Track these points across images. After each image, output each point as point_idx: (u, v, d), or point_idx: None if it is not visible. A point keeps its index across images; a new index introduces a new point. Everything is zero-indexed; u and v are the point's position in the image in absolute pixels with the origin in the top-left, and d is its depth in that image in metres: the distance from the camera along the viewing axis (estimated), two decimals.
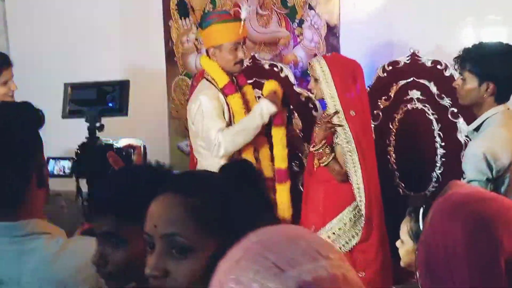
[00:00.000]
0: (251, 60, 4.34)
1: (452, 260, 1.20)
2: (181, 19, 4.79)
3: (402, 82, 4.02)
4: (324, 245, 0.86)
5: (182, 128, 4.81)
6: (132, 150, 1.79)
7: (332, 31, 4.49)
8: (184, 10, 4.77)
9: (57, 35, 4.95)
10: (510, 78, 2.87)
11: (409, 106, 4.02)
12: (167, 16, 4.81)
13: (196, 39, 4.77)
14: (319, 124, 3.45)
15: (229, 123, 3.45)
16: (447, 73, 3.88)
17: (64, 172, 1.75)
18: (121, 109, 1.83)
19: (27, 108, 1.59)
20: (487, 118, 2.88)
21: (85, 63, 4.85)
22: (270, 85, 3.55)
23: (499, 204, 1.29)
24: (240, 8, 3.53)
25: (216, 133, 3.36)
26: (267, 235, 0.86)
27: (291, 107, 3.76)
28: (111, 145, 1.78)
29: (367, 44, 4.36)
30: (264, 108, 3.42)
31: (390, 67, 4.05)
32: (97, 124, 1.80)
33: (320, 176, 3.51)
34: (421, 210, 2.31)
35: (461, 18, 4.19)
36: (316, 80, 3.45)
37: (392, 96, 4.05)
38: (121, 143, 1.84)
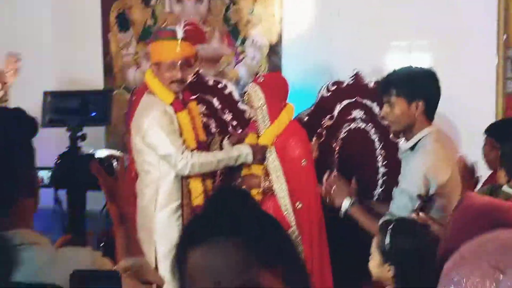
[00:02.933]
0: (195, 76, 4.31)
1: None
2: (120, 32, 4.71)
3: (345, 102, 4.09)
4: None
5: (118, 141, 4.70)
6: (115, 160, 1.73)
7: (274, 50, 4.54)
8: (124, 24, 4.70)
9: None
10: (436, 94, 2.97)
11: (352, 125, 4.09)
12: (106, 29, 4.72)
13: (136, 53, 4.69)
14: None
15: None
16: None
17: (42, 182, 1.66)
18: (104, 119, 1.78)
19: (20, 115, 1.52)
20: (422, 137, 2.96)
21: (23, 72, 4.68)
22: (253, 139, 3.58)
23: None
24: (181, 26, 3.51)
25: (185, 152, 3.36)
26: (490, 240, 0.85)
27: None
28: (93, 155, 1.72)
29: (308, 62, 4.43)
30: (244, 156, 3.47)
31: (335, 87, 4.12)
32: (79, 134, 1.72)
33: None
34: (391, 226, 2.35)
35: (397, 39, 4.34)
36: (253, 107, 3.50)
37: (335, 115, 4.12)
38: (98, 153, 1.78)
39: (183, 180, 3.47)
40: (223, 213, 1.04)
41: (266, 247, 0.99)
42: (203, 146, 3.58)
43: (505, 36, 4.07)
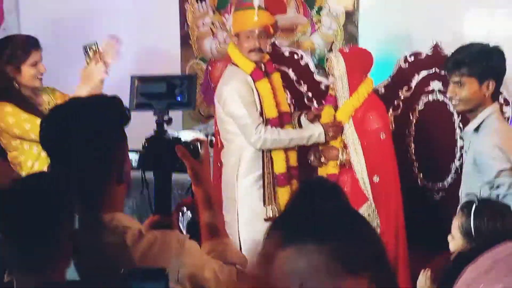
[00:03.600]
0: (271, 47, 4.31)
1: None
2: (197, 2, 4.74)
3: (424, 73, 4.02)
4: None
5: (196, 112, 4.79)
6: (199, 144, 1.78)
7: (350, 19, 4.48)
8: None
9: (70, 16, 4.87)
10: (504, 72, 2.91)
11: (430, 97, 4.02)
12: None
13: (212, 23, 4.73)
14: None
15: (260, 108, 3.46)
16: None
17: (131, 165, 1.73)
18: (189, 103, 1.82)
19: (116, 104, 1.59)
20: (486, 117, 2.87)
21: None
22: (330, 112, 3.59)
23: None
24: None
25: (260, 126, 3.42)
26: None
27: None
28: (179, 139, 1.77)
29: (385, 32, 4.36)
30: (316, 136, 3.49)
31: (412, 58, 4.05)
32: (166, 118, 1.78)
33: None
34: (474, 207, 2.32)
35: (477, 8, 4.20)
36: (333, 75, 3.48)
37: (413, 87, 4.06)
38: (184, 136, 1.82)
39: (265, 149, 3.52)
40: (311, 214, 1.03)
41: (354, 254, 0.97)
42: (285, 116, 3.62)
43: None
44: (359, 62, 3.53)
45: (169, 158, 1.73)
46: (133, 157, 1.74)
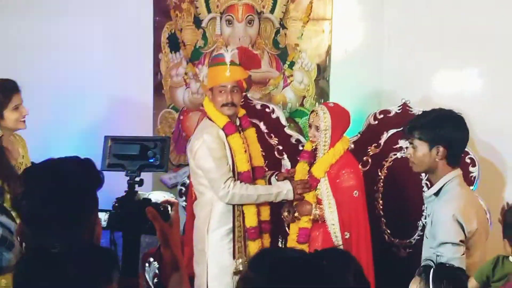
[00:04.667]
0: (243, 100, 4.35)
1: None
2: (171, 53, 4.79)
3: (392, 131, 4.09)
4: None
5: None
6: (170, 206, 1.78)
7: (322, 74, 4.56)
8: (175, 44, 4.78)
9: (47, 66, 4.88)
10: (459, 141, 2.98)
11: (398, 154, 4.09)
12: (157, 49, 4.81)
13: (186, 74, 4.77)
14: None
15: (231, 162, 3.48)
16: None
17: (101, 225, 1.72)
18: (162, 165, 1.83)
19: (90, 167, 1.59)
20: (446, 182, 2.94)
21: (73, 91, 4.81)
22: (305, 168, 3.64)
23: None
24: (228, 50, 3.58)
25: (228, 180, 3.44)
26: None
27: None
28: (150, 200, 1.77)
29: (356, 89, 4.45)
30: (284, 193, 3.53)
31: (381, 115, 4.13)
32: (137, 179, 1.78)
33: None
34: (432, 271, 2.34)
35: (447, 69, 4.31)
36: (317, 128, 3.51)
37: (382, 143, 4.12)
38: (154, 196, 1.83)
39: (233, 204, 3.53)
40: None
41: None
42: (258, 170, 3.64)
43: None
44: (342, 119, 3.58)
45: (139, 220, 1.72)
46: (103, 217, 1.73)
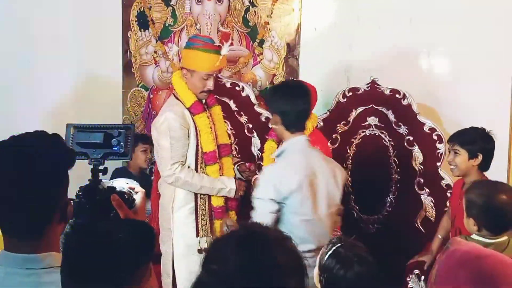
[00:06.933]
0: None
1: None
2: (140, 31, 4.76)
3: (361, 109, 4.13)
4: None
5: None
6: (135, 193, 1.79)
7: (291, 53, 4.57)
8: (144, 23, 4.74)
9: (14, 43, 4.83)
10: None
11: (367, 132, 4.13)
12: (126, 27, 4.76)
13: (155, 52, 4.74)
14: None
15: (196, 142, 3.48)
16: (404, 102, 4.02)
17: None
18: (126, 154, 1.82)
19: (60, 144, 1.57)
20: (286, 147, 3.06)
21: (41, 69, 4.77)
22: (273, 146, 3.69)
23: (496, 260, 1.41)
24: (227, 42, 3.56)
25: (177, 163, 3.43)
26: None
27: None
28: (114, 188, 1.77)
29: (325, 67, 4.47)
30: (226, 191, 3.54)
31: (350, 93, 4.16)
32: (101, 167, 1.78)
33: None
34: (329, 247, 2.35)
35: (418, 50, 4.34)
36: None
37: (350, 121, 4.16)
38: (119, 184, 1.83)
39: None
40: None
41: None
42: (224, 149, 3.64)
43: None
44: None
45: (103, 208, 1.72)
46: None
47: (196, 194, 3.51)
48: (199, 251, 3.49)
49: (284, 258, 1.30)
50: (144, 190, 1.84)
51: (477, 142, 3.36)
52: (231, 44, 3.57)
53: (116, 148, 1.80)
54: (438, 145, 3.95)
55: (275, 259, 1.28)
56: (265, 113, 4.32)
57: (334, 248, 2.32)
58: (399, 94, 4.04)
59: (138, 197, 1.81)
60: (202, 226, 3.52)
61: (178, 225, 3.53)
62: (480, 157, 3.35)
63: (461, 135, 3.43)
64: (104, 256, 1.35)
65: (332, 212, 3.03)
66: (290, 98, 3.03)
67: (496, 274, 1.37)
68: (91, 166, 1.80)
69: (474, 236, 2.75)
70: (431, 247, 3.62)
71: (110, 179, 1.85)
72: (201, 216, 3.53)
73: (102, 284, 1.35)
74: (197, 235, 3.51)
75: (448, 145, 3.50)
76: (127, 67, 4.80)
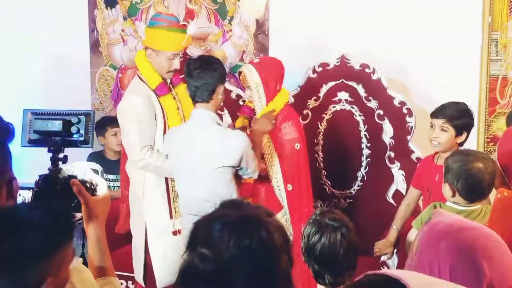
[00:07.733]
0: (182, 56, 4.30)
1: None
2: (107, 9, 4.68)
3: (331, 84, 4.12)
4: None
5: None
6: (96, 183, 1.75)
7: (261, 29, 4.53)
8: (110, 0, 4.66)
9: None
10: None
11: (337, 107, 4.13)
12: (92, 5, 4.69)
13: (123, 30, 4.68)
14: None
15: (163, 124, 3.44)
16: (374, 77, 4.02)
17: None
18: (86, 141, 1.78)
19: None
20: None
21: (6, 50, 4.68)
22: (244, 123, 3.67)
23: (478, 232, 1.42)
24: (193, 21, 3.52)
25: (146, 147, 3.36)
26: None
27: None
28: (75, 176, 1.74)
29: (295, 43, 4.43)
30: None
31: (320, 68, 4.14)
32: (61, 155, 1.75)
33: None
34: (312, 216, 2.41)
35: (388, 25, 4.32)
36: (249, 88, 3.49)
37: (321, 96, 4.15)
38: (79, 167, 1.79)
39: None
40: None
41: None
42: None
43: (490, 19, 4.08)
44: (271, 72, 3.53)
45: (63, 197, 1.69)
46: (26, 195, 1.70)
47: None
48: (174, 233, 3.47)
49: (279, 238, 1.31)
50: (105, 182, 1.80)
51: (464, 118, 3.36)
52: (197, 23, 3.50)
53: (76, 136, 1.77)
54: (408, 119, 3.96)
55: (273, 241, 1.30)
56: (235, 90, 4.29)
57: (315, 217, 2.39)
58: (369, 68, 4.03)
59: (101, 189, 1.77)
60: (175, 208, 3.48)
61: (151, 208, 3.49)
62: (465, 135, 3.38)
63: (448, 111, 3.38)
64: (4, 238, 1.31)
65: None
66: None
67: (477, 247, 1.37)
68: (51, 154, 1.76)
69: (448, 203, 2.78)
70: (388, 238, 3.67)
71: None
72: (173, 198, 3.50)
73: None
74: (171, 217, 3.48)
75: (433, 120, 3.41)
76: (95, 46, 4.74)
